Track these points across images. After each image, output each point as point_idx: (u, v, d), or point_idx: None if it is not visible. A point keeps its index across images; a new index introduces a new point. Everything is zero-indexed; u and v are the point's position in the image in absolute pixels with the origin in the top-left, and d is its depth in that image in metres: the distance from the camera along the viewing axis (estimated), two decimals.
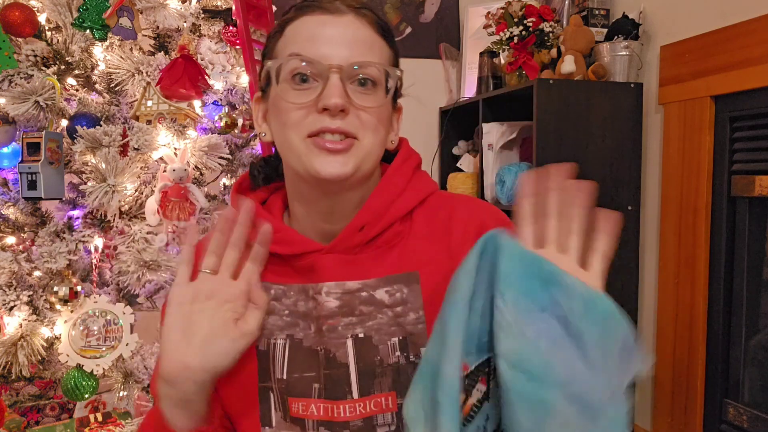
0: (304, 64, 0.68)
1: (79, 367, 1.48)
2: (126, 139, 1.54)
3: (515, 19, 2.02)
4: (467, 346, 0.54)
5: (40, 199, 1.50)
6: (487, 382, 0.56)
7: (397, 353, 0.70)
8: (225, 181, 1.96)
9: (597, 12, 2.01)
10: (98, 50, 1.67)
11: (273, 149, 0.81)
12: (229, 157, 1.80)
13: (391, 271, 0.72)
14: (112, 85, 1.66)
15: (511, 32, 2.01)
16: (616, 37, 1.88)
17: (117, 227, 1.59)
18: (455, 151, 2.57)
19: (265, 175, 0.82)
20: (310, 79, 0.68)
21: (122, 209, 1.60)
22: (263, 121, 0.77)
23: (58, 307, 1.50)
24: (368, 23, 0.71)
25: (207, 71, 1.75)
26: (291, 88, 0.69)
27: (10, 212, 1.59)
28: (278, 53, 0.72)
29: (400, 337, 0.70)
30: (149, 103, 1.66)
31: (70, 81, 1.65)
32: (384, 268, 0.72)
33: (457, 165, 2.52)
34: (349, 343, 0.70)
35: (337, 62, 0.67)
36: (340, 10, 0.69)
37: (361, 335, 0.70)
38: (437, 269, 0.72)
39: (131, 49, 1.71)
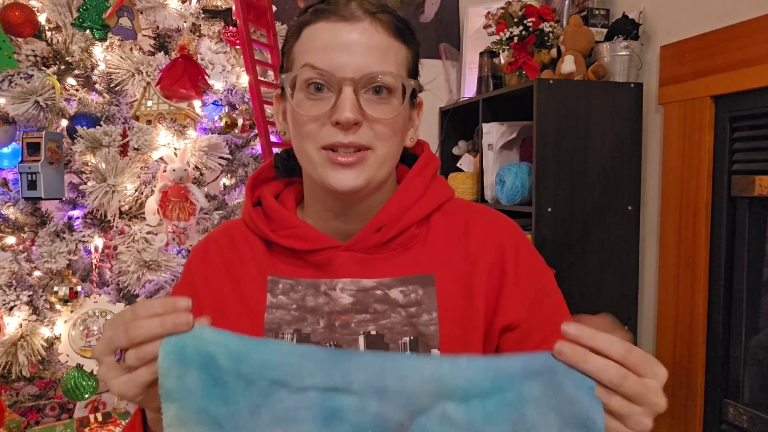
0: (316, 74, 0.68)
1: (79, 367, 1.48)
2: (126, 139, 1.54)
3: (515, 19, 2.02)
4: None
5: (40, 199, 1.50)
6: None
7: (407, 353, 0.71)
8: (225, 181, 1.96)
9: (597, 12, 2.00)
10: (98, 50, 1.67)
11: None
12: (229, 157, 1.80)
13: (406, 272, 0.73)
14: (112, 85, 1.66)
15: (511, 32, 2.00)
16: (616, 37, 1.88)
17: (117, 227, 1.59)
18: (455, 151, 2.57)
19: (288, 168, 0.83)
20: (324, 89, 0.68)
21: (122, 209, 1.60)
22: (284, 119, 0.78)
23: (58, 307, 1.50)
24: (384, 28, 0.69)
25: (207, 71, 1.76)
26: (306, 97, 0.69)
27: (10, 212, 1.59)
28: (295, 57, 0.72)
29: (412, 337, 0.71)
30: (149, 103, 1.66)
31: (70, 81, 1.65)
32: (399, 269, 0.73)
33: (457, 165, 2.52)
34: (361, 339, 0.71)
35: (350, 74, 0.67)
36: (356, 17, 0.68)
37: (373, 332, 0.71)
38: (454, 274, 0.74)
39: (131, 49, 1.71)
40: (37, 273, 1.53)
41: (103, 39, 1.62)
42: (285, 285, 0.74)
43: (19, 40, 1.56)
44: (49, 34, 1.61)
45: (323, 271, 0.73)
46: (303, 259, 0.75)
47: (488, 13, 2.17)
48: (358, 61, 0.67)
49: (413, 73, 0.75)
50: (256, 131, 1.82)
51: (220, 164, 1.73)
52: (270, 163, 0.84)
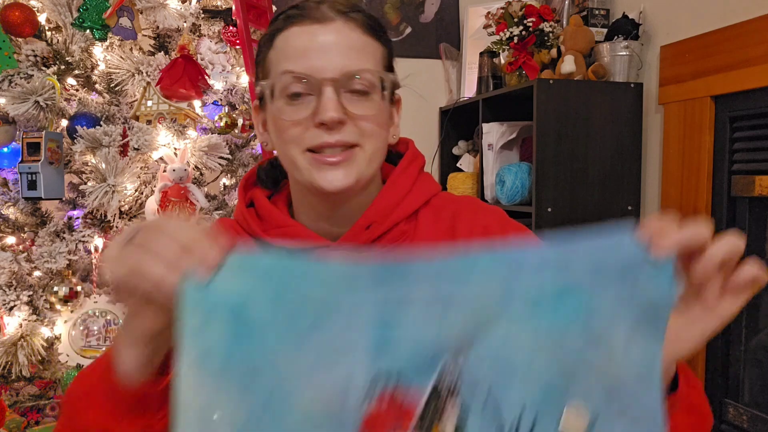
0: (296, 80, 0.68)
1: (79, 367, 1.48)
2: (126, 139, 1.54)
3: (515, 19, 2.02)
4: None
5: (40, 199, 1.50)
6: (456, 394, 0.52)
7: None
8: (225, 181, 1.96)
9: (597, 12, 2.00)
10: (98, 50, 1.67)
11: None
12: (229, 157, 1.80)
13: None
14: (112, 85, 1.66)
15: (511, 32, 2.01)
16: (616, 37, 1.88)
17: (117, 227, 1.59)
18: (455, 151, 2.57)
19: (273, 178, 0.83)
20: (304, 93, 0.69)
21: (122, 209, 1.60)
22: (264, 130, 0.78)
23: (58, 307, 1.50)
24: (357, 26, 0.70)
25: (207, 71, 1.75)
26: (286, 104, 0.69)
27: (10, 212, 1.59)
28: (270, 65, 0.72)
29: None
30: (149, 103, 1.66)
31: (70, 81, 1.65)
32: None
33: (457, 165, 2.52)
34: None
35: (329, 74, 0.67)
36: (328, 18, 0.69)
37: None
38: None
39: (131, 49, 1.71)
40: (37, 273, 1.54)
41: (103, 39, 1.62)
42: None
43: (19, 40, 1.56)
44: (49, 34, 1.61)
45: None
46: None
47: (488, 13, 2.17)
48: (336, 61, 0.68)
49: (389, 69, 0.75)
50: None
51: (220, 164, 1.73)
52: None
